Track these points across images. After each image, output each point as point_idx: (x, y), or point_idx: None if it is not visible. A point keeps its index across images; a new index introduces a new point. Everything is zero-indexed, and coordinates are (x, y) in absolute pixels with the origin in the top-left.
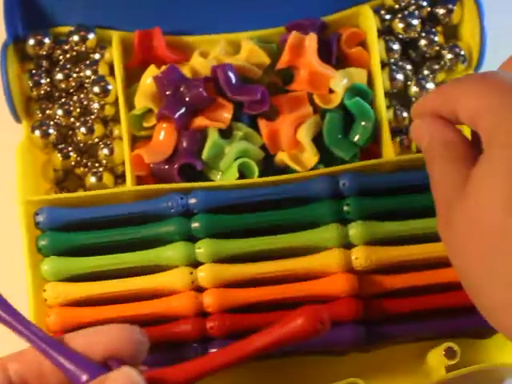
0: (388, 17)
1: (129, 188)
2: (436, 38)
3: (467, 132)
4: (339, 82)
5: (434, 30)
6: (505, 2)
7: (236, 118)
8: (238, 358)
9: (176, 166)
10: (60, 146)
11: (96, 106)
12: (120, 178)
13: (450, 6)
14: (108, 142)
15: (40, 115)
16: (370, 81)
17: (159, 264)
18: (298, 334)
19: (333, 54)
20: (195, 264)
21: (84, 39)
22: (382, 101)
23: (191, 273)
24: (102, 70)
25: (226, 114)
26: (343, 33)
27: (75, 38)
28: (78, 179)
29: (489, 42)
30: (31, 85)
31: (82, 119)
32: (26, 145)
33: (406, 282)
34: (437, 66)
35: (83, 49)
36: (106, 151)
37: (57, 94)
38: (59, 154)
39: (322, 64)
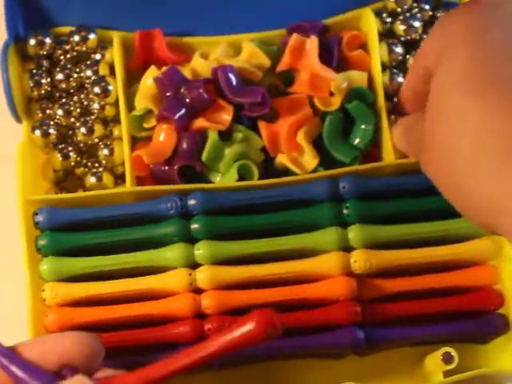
0: (389, 20)
1: (128, 189)
2: None
3: None
4: (340, 84)
5: None
6: None
7: (236, 119)
8: (191, 362)
9: (176, 167)
10: (60, 146)
11: (96, 106)
12: (120, 179)
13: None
14: (108, 143)
15: (40, 115)
16: (371, 84)
17: (158, 265)
18: (250, 338)
19: (334, 56)
20: (194, 265)
21: (85, 39)
22: (382, 104)
23: (190, 274)
24: (103, 70)
25: (226, 116)
26: (344, 35)
27: (76, 38)
28: (78, 179)
29: None
30: (32, 85)
31: (82, 119)
32: (26, 145)
33: (404, 285)
34: None
35: (84, 49)
36: (105, 151)
37: (57, 94)
38: (59, 154)
39: (322, 66)
